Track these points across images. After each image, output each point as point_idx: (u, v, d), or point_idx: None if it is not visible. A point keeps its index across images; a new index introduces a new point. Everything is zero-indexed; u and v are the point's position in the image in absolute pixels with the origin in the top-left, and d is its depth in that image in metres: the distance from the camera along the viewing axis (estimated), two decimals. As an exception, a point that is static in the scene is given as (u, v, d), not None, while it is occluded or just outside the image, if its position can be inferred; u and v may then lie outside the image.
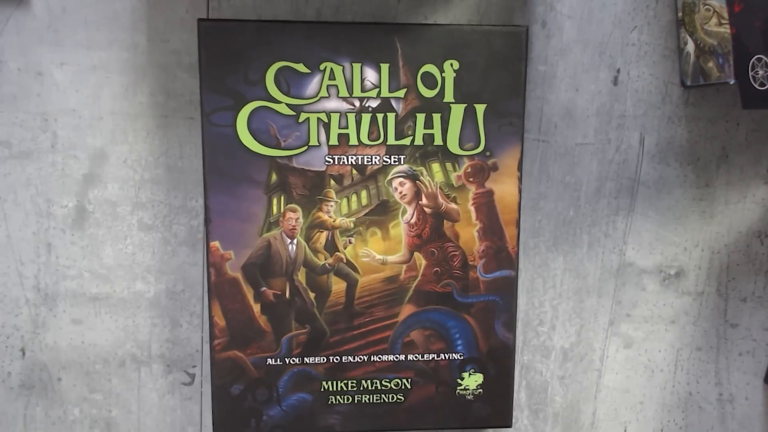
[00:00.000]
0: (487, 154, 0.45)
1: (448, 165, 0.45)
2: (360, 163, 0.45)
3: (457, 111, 0.45)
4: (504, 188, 0.46)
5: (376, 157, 0.45)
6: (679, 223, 0.50)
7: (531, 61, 0.47)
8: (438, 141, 0.45)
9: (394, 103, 0.44)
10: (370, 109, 0.44)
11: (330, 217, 0.45)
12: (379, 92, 0.44)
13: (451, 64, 0.44)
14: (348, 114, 0.44)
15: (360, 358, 0.47)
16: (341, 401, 0.47)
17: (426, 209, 0.46)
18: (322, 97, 0.44)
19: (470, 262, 0.46)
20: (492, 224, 0.46)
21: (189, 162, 0.47)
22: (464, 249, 0.46)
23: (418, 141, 0.45)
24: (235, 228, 0.44)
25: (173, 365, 0.49)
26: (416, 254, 0.46)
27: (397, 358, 0.47)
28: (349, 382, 0.47)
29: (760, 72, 0.39)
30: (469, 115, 0.45)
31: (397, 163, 0.45)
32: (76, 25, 0.45)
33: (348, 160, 0.45)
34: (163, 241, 0.48)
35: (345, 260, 0.46)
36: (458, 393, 0.48)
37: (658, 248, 0.50)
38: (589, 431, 0.52)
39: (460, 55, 0.44)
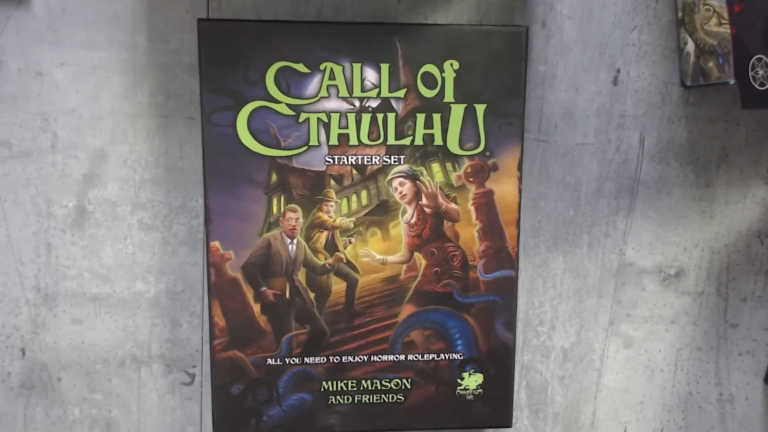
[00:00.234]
0: (487, 154, 0.45)
1: (448, 165, 0.45)
2: (360, 163, 0.45)
3: (457, 111, 0.45)
4: (504, 188, 0.46)
5: (376, 157, 0.45)
6: (679, 223, 0.50)
7: (531, 61, 0.47)
8: (438, 141, 0.45)
9: (394, 103, 0.44)
10: (370, 109, 0.44)
11: (330, 217, 0.45)
12: (379, 92, 0.44)
13: (451, 64, 0.44)
14: (348, 114, 0.44)
15: (360, 358, 0.46)
16: (341, 401, 0.47)
17: (426, 209, 0.46)
18: (322, 97, 0.44)
19: (470, 262, 0.46)
20: (492, 224, 0.46)
21: (189, 162, 0.47)
22: (464, 249, 0.46)
23: (418, 141, 0.45)
24: (235, 228, 0.44)
25: (173, 365, 0.49)
26: (416, 254, 0.46)
27: (397, 358, 0.47)
28: (349, 382, 0.47)
29: (760, 72, 0.39)
30: (469, 115, 0.45)
31: (397, 163, 0.45)
32: (76, 25, 0.45)
33: (348, 160, 0.45)
34: (163, 241, 0.48)
35: (345, 260, 0.46)
36: (458, 393, 0.48)
37: (658, 248, 0.50)
38: (589, 431, 0.52)
39: (460, 55, 0.44)
